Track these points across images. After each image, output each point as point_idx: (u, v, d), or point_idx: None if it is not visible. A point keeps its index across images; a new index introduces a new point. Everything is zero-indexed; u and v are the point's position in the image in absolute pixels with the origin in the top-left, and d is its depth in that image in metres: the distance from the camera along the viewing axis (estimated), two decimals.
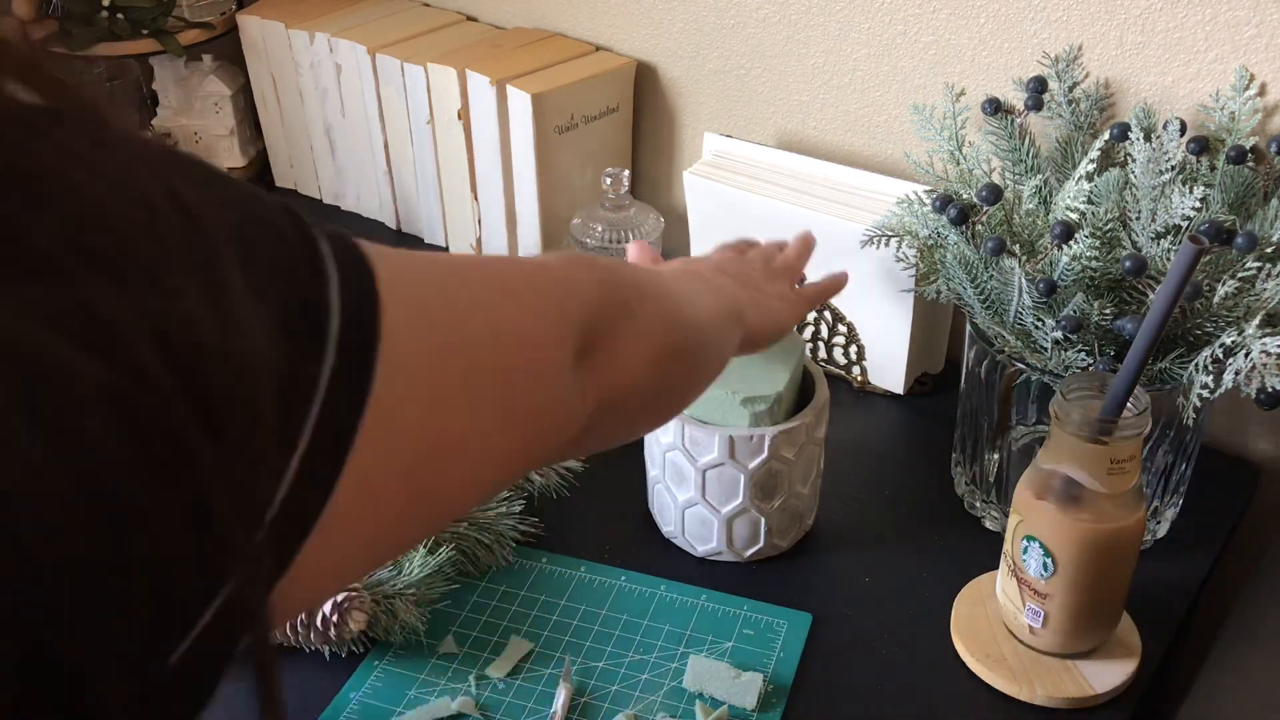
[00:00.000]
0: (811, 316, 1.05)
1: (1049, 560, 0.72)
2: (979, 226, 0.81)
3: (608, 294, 0.50)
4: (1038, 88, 0.90)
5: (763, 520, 0.83)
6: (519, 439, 0.42)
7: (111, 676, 0.24)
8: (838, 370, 1.06)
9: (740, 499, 0.82)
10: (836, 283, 0.81)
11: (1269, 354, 0.70)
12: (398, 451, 0.35)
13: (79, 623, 0.23)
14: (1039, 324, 0.77)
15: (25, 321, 0.23)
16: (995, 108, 0.90)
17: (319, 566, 0.32)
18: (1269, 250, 0.78)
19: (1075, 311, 0.76)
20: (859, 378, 1.05)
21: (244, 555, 0.27)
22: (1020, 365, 0.81)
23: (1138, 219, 0.79)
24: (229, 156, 1.39)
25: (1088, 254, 0.76)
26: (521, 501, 0.87)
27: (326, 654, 0.78)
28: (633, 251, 0.77)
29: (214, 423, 0.26)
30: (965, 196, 0.84)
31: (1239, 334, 0.73)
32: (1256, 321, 0.72)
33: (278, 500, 0.30)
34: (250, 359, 0.28)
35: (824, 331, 1.05)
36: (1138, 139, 0.80)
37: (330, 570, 0.34)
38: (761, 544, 0.85)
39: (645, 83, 1.19)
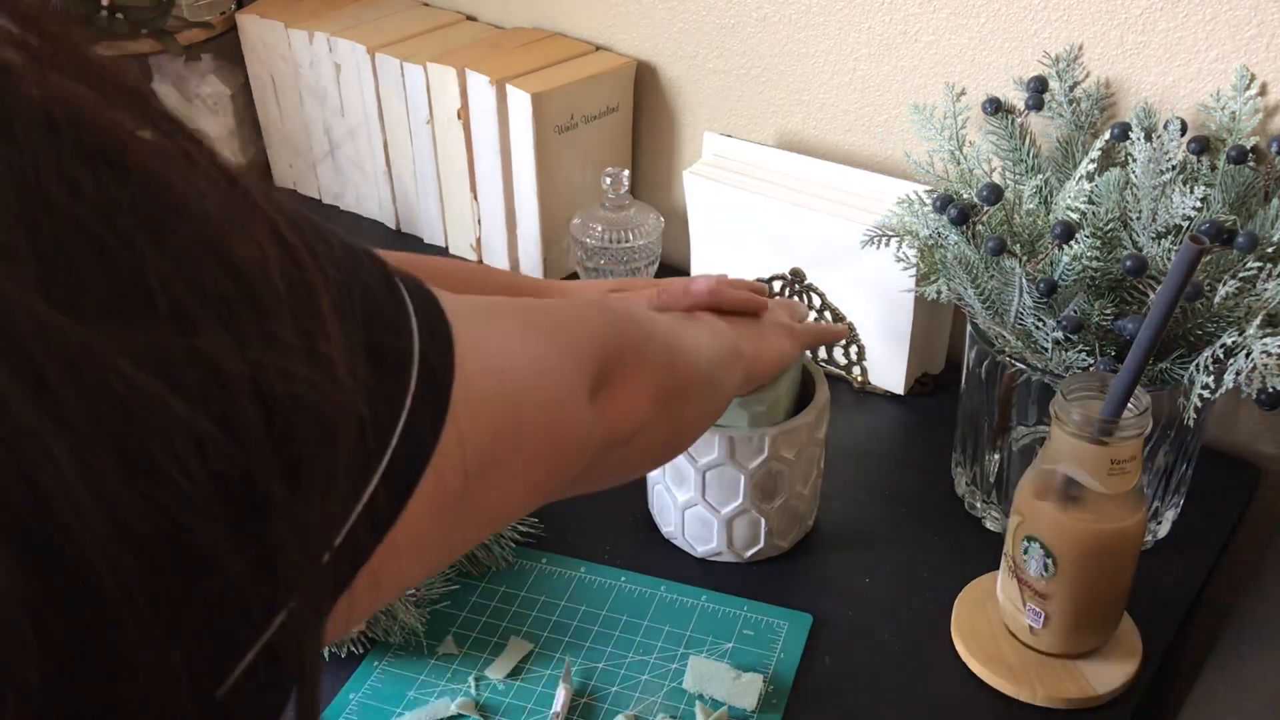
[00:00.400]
0: (812, 316, 1.05)
1: (1050, 561, 0.72)
2: (979, 226, 0.81)
3: (618, 333, 0.52)
4: (1038, 87, 0.90)
5: (763, 521, 0.83)
6: (548, 465, 0.44)
7: (160, 709, 0.24)
8: (838, 370, 1.06)
9: (740, 499, 0.82)
10: (839, 332, 0.84)
11: (1270, 354, 0.70)
12: (455, 481, 0.36)
13: (134, 652, 0.23)
14: (1039, 324, 0.77)
15: (126, 360, 0.23)
16: (996, 107, 0.89)
17: (366, 588, 0.32)
18: (1270, 250, 0.77)
19: (1076, 312, 0.76)
20: (859, 378, 1.05)
21: (305, 592, 0.27)
22: (1021, 365, 0.80)
23: (1138, 219, 0.79)
24: (228, 156, 1.39)
25: (1088, 254, 0.76)
26: None
27: (326, 654, 0.78)
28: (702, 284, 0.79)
29: (297, 474, 0.26)
30: (966, 196, 0.84)
31: (1240, 334, 0.72)
32: (1257, 322, 0.72)
33: (342, 534, 0.30)
34: (341, 414, 0.28)
35: None
36: (1138, 139, 0.80)
37: (377, 589, 0.35)
38: (762, 544, 0.85)
39: (645, 83, 1.19)
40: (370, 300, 0.32)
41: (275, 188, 0.31)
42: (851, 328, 1.03)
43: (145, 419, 0.23)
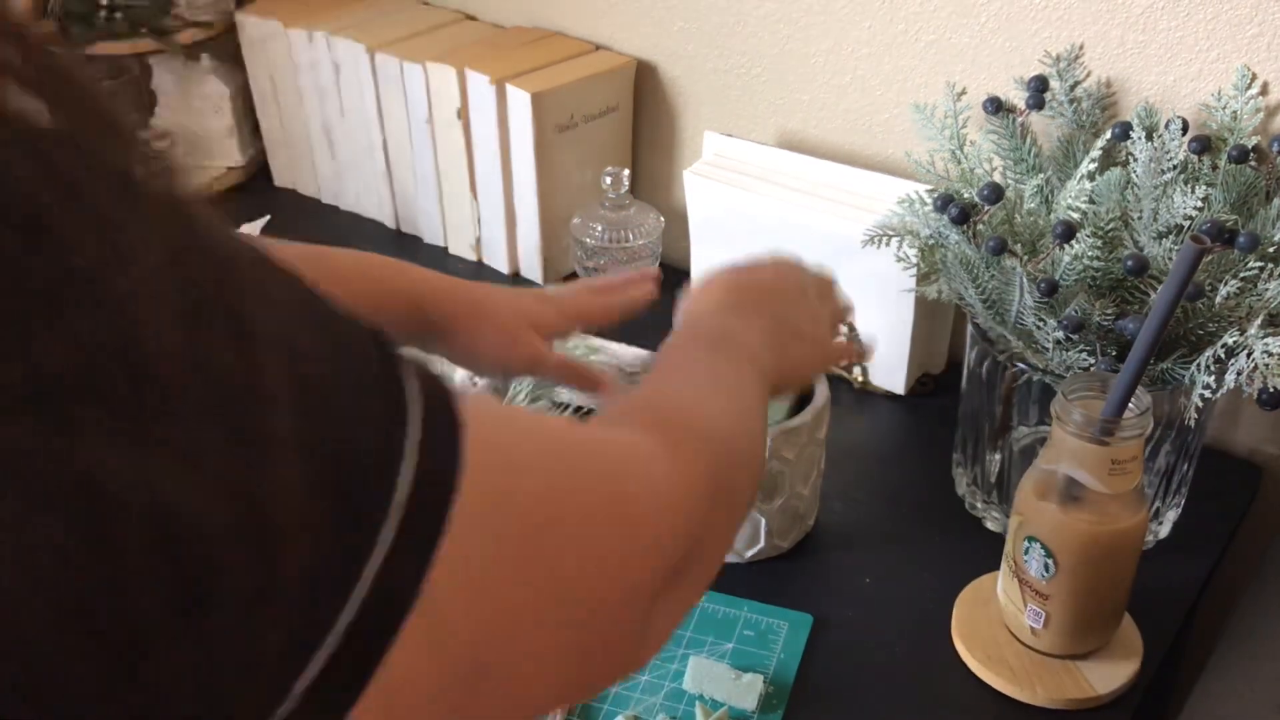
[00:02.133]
0: None
1: (1050, 561, 0.72)
2: (980, 226, 0.81)
3: (716, 492, 0.42)
4: (1039, 87, 0.90)
5: (763, 521, 0.83)
6: (582, 669, 0.36)
7: None
8: (838, 370, 1.05)
9: (787, 491, 0.81)
10: (869, 351, 0.79)
11: (1271, 354, 0.70)
12: (446, 663, 0.30)
13: None
14: (1040, 324, 0.77)
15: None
16: (996, 107, 0.89)
17: None
18: (1271, 250, 0.77)
19: (1077, 311, 0.75)
20: (859, 378, 1.04)
21: None
22: (1021, 366, 0.80)
23: (1139, 218, 0.79)
24: (228, 156, 1.39)
25: (1089, 254, 0.76)
26: None
27: None
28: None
29: (189, 620, 0.23)
30: (966, 196, 0.84)
31: (1241, 334, 0.72)
32: (1258, 322, 0.72)
33: (295, 694, 0.25)
34: (264, 549, 0.24)
35: None
36: (1139, 138, 0.80)
37: None
38: (762, 544, 0.85)
39: (645, 82, 1.19)
40: (349, 414, 0.27)
41: (278, 268, 0.27)
42: (852, 328, 1.03)
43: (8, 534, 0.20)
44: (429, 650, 0.28)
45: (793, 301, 0.64)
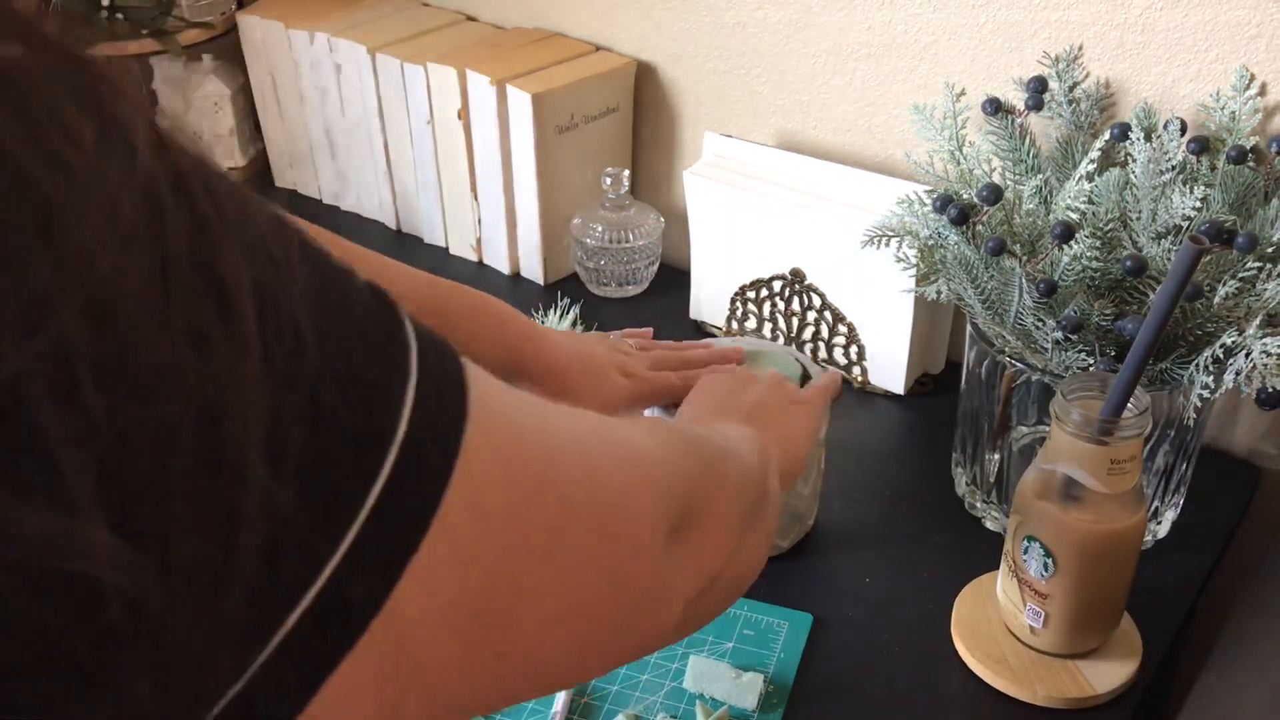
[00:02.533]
0: (812, 317, 1.05)
1: (1049, 560, 0.72)
2: (979, 227, 0.81)
3: (699, 464, 0.46)
4: (1038, 88, 0.90)
5: (800, 506, 0.83)
6: (609, 608, 0.36)
7: None
8: (838, 370, 1.06)
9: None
10: (838, 382, 0.81)
11: (1269, 354, 0.70)
12: (448, 603, 0.29)
13: None
14: (1039, 324, 0.77)
15: None
16: (996, 108, 0.89)
17: None
18: (1269, 250, 0.77)
19: (1076, 312, 0.76)
20: (859, 378, 1.05)
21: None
22: (1021, 365, 0.80)
23: (1138, 219, 0.79)
24: (229, 156, 1.39)
25: (1088, 254, 0.76)
26: None
27: None
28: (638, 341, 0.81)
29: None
30: (965, 196, 0.84)
31: (1239, 334, 0.73)
32: (1257, 322, 0.72)
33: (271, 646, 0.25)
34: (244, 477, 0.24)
35: (824, 331, 1.05)
36: (1138, 139, 0.80)
37: None
38: (795, 531, 0.85)
39: (645, 83, 1.19)
40: (349, 352, 0.27)
41: (290, 221, 0.28)
42: (851, 328, 1.03)
43: None
44: (440, 582, 0.29)
45: (757, 389, 0.71)
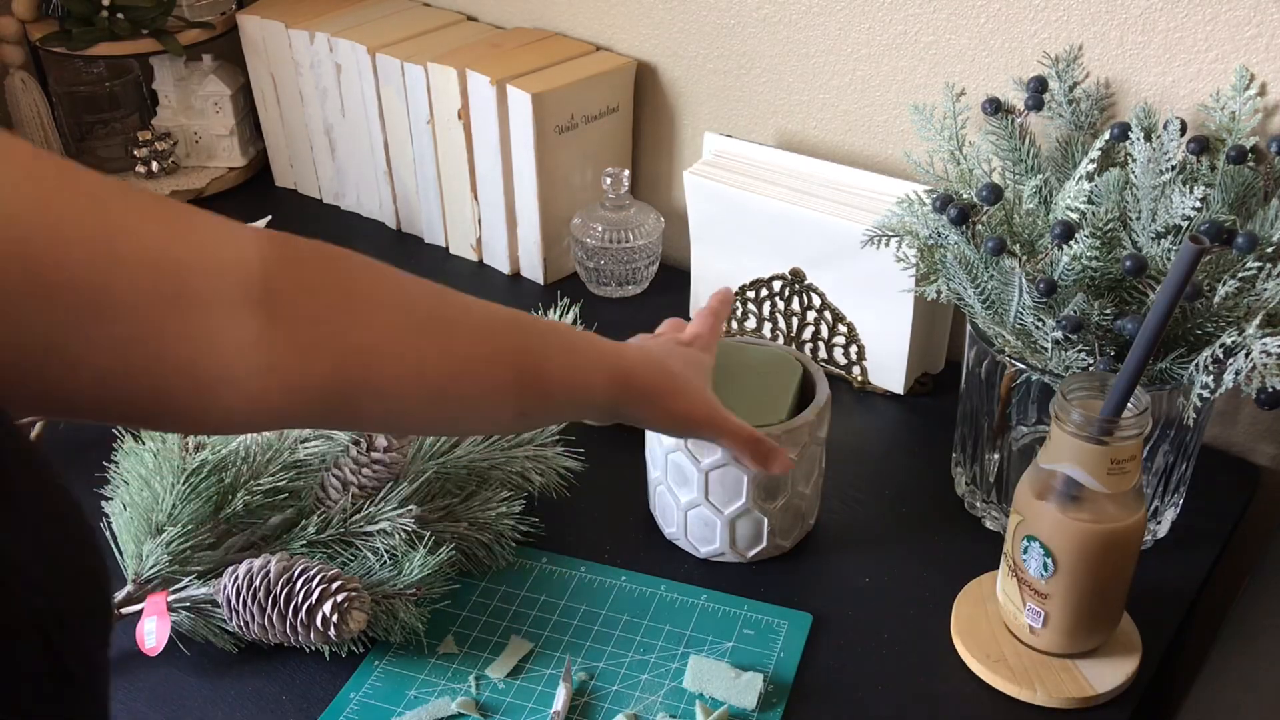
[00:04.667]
0: (812, 317, 1.05)
1: (1049, 560, 0.72)
2: (979, 226, 0.81)
3: (284, 258, 0.48)
4: (1038, 87, 0.90)
5: (765, 520, 0.83)
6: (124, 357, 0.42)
7: None
8: (838, 370, 1.06)
9: (743, 500, 0.82)
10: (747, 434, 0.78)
11: (1269, 354, 0.70)
12: None
13: None
14: (1039, 324, 0.77)
15: None
16: (995, 107, 0.89)
17: None
18: (1269, 250, 0.77)
19: (1075, 311, 0.76)
20: (859, 378, 1.05)
21: None
22: (1020, 365, 0.80)
23: (1138, 219, 0.79)
24: (229, 156, 1.39)
25: (1088, 254, 0.76)
26: (521, 501, 0.87)
27: (326, 654, 0.78)
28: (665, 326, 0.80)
29: None
30: (965, 196, 0.84)
31: (1239, 334, 0.73)
32: (1257, 321, 0.72)
33: None
34: None
35: (824, 331, 1.05)
36: (1138, 139, 0.80)
37: None
38: (764, 544, 0.85)
39: (645, 83, 1.19)
40: None
41: None
42: (851, 328, 1.03)
43: None
44: None
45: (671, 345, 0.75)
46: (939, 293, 0.86)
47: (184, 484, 0.80)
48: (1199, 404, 0.74)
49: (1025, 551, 0.73)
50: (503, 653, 0.78)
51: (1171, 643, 0.80)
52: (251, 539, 0.82)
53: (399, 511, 0.81)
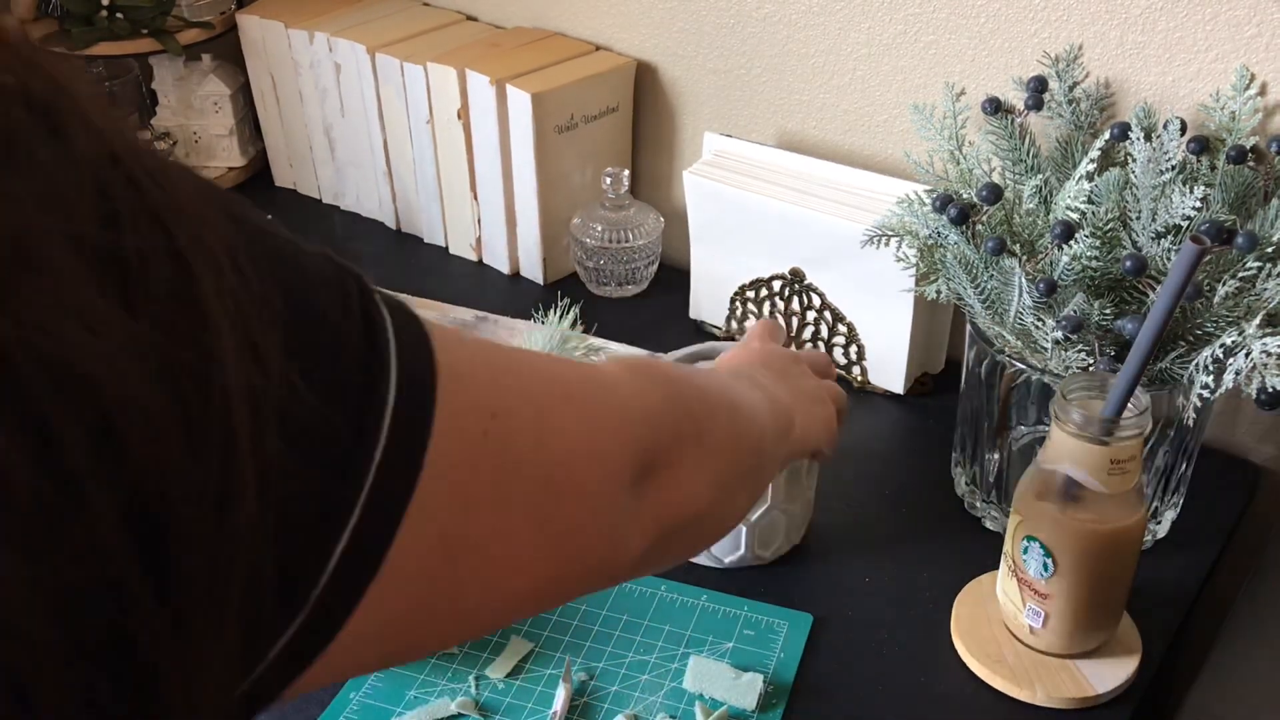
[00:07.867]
0: (812, 317, 1.05)
1: (1049, 560, 0.72)
2: (979, 226, 0.81)
3: (676, 413, 0.46)
4: (1038, 87, 0.90)
5: (784, 520, 0.83)
6: (554, 555, 0.38)
7: None
8: (838, 370, 1.06)
9: (769, 501, 0.81)
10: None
11: (1269, 354, 0.70)
12: (419, 557, 0.32)
13: None
14: (1039, 324, 0.77)
15: None
16: (995, 107, 0.89)
17: (319, 671, 0.30)
18: (1269, 250, 0.77)
19: (1075, 311, 0.76)
20: (859, 378, 1.05)
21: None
22: (1020, 365, 0.80)
23: (1138, 219, 0.79)
24: (228, 156, 1.39)
25: (1088, 254, 0.76)
26: None
27: None
28: (761, 330, 0.75)
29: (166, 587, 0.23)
30: (965, 196, 0.84)
31: (1239, 334, 0.72)
32: (1257, 321, 0.72)
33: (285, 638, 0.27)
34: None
35: (824, 331, 1.05)
36: (1138, 138, 0.80)
37: (330, 674, 0.32)
38: (780, 543, 0.85)
39: (645, 83, 1.19)
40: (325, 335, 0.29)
41: (244, 211, 0.29)
42: (851, 328, 1.03)
43: None
44: (409, 547, 0.31)
45: (808, 374, 0.71)
46: (939, 293, 0.86)
47: None
48: (1199, 404, 0.74)
49: (1025, 552, 0.73)
50: (502, 653, 0.78)
51: (1171, 643, 0.80)
52: None
53: None
